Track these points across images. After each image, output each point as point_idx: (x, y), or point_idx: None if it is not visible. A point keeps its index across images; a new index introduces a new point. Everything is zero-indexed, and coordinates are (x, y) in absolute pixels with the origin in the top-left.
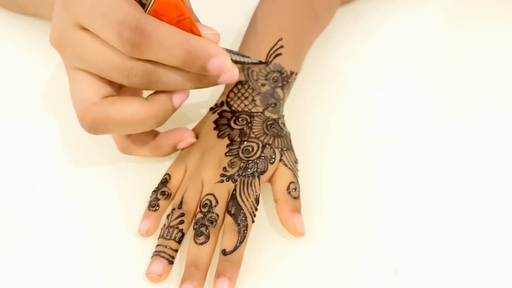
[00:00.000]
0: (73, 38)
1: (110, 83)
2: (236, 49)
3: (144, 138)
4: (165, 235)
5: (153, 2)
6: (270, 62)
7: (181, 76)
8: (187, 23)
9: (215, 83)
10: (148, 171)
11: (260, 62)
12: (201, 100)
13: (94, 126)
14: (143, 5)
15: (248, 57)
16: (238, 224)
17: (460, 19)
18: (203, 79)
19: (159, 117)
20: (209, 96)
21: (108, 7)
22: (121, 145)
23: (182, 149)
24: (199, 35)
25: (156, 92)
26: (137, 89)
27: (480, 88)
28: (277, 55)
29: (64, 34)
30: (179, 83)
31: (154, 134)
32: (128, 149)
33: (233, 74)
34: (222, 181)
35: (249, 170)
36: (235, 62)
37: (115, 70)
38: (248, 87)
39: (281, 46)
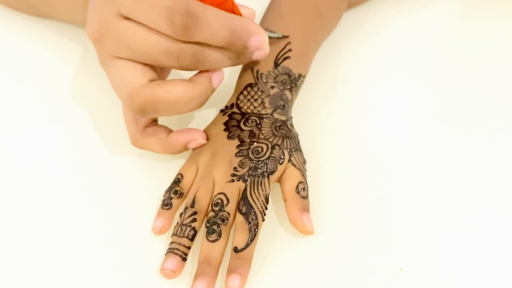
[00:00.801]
0: (116, 28)
1: (153, 68)
2: None
3: (158, 134)
4: (178, 233)
5: None
6: (280, 64)
7: (224, 55)
8: (228, 4)
9: (250, 59)
10: (161, 171)
11: (284, 36)
12: (212, 102)
13: (144, 108)
14: None
15: (273, 31)
16: (249, 222)
17: (465, 21)
18: (241, 56)
19: (202, 97)
20: (219, 98)
21: None
22: (134, 137)
23: (193, 149)
24: (240, 14)
25: (196, 74)
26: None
27: (485, 90)
28: (285, 58)
29: (106, 25)
30: (222, 61)
31: (168, 131)
32: (141, 143)
33: (265, 50)
34: (232, 181)
35: (259, 170)
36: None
37: (164, 54)
38: (258, 90)
39: (289, 50)
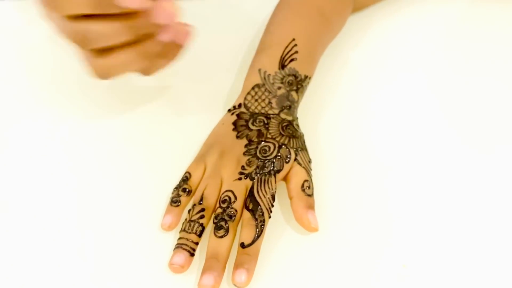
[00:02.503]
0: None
1: None
2: (253, 52)
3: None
4: (186, 229)
5: None
6: (286, 65)
7: (106, 26)
8: None
9: (155, 25)
10: (169, 170)
11: None
12: (219, 102)
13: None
14: None
15: None
16: (256, 219)
17: (471, 25)
18: (134, 23)
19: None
20: (227, 98)
21: None
22: (96, 65)
23: (201, 148)
24: None
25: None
26: None
27: (491, 92)
28: (292, 60)
29: None
30: (110, 34)
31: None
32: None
33: (165, 10)
34: (240, 179)
35: (266, 168)
36: None
37: (63, 34)
38: (265, 90)
39: (296, 52)
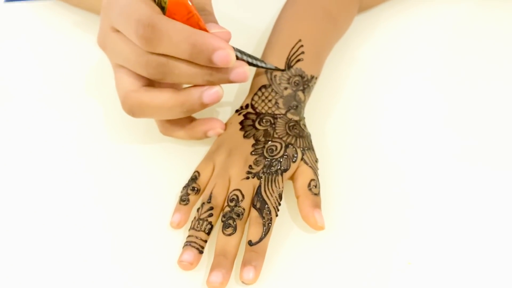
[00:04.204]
0: (110, 38)
1: (145, 77)
2: (260, 52)
3: (182, 122)
4: (195, 227)
5: (167, 3)
6: (293, 66)
7: (192, 69)
8: (194, 20)
9: (228, 80)
10: (178, 169)
11: (276, 68)
12: (227, 103)
13: (132, 110)
14: (162, 8)
15: (262, 61)
16: (263, 217)
17: (478, 26)
18: (214, 73)
19: (185, 107)
20: (235, 99)
21: (131, 9)
22: (161, 127)
23: (210, 147)
24: (206, 31)
25: (191, 87)
26: (171, 83)
27: (498, 93)
28: (298, 60)
29: (104, 35)
30: (191, 75)
31: (191, 119)
32: (167, 131)
33: (244, 71)
34: (248, 178)
35: (273, 168)
36: (250, 64)
37: (136, 63)
38: (272, 91)
39: (302, 52)
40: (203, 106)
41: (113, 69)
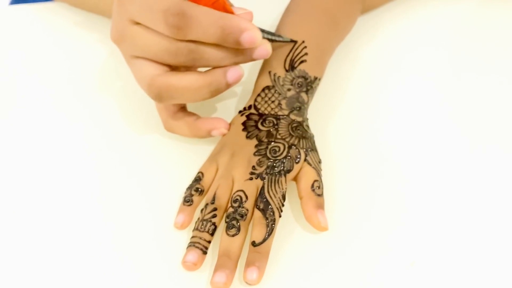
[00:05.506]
0: (129, 32)
1: (166, 64)
2: None
3: (186, 118)
4: (199, 228)
5: None
6: (296, 67)
7: (220, 52)
8: (220, 3)
9: (252, 58)
10: (182, 170)
11: (291, 41)
12: (231, 104)
13: (160, 93)
14: None
15: (279, 35)
16: (267, 218)
17: (480, 27)
18: (239, 54)
19: (212, 86)
20: (238, 100)
21: (154, 2)
22: (166, 122)
23: (215, 147)
24: (232, 13)
25: (213, 68)
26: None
27: (502, 94)
28: (301, 61)
29: (122, 29)
30: (219, 58)
31: (196, 117)
32: (171, 126)
33: (266, 48)
34: (251, 179)
35: (276, 168)
36: (269, 40)
37: (165, 53)
38: (275, 92)
39: (306, 54)
40: (228, 86)
41: (127, 62)
